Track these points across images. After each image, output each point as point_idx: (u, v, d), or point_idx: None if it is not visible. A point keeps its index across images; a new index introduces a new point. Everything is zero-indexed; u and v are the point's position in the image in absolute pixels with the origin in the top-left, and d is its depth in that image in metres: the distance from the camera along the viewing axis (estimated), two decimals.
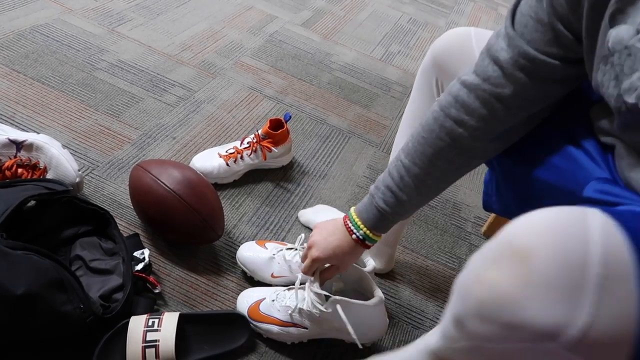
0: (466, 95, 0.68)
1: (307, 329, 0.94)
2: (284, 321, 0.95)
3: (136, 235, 1.06)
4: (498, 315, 0.43)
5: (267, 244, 1.09)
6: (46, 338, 0.84)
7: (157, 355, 0.84)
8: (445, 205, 1.43)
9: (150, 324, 0.86)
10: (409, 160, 0.75)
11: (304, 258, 0.90)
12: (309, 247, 0.87)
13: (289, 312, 0.94)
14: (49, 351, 0.86)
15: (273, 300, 0.96)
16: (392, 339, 1.07)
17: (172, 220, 1.01)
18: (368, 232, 0.81)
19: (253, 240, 1.14)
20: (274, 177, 1.33)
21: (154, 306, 0.97)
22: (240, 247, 1.09)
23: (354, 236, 0.82)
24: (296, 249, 1.05)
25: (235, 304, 1.03)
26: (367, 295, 0.96)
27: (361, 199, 1.37)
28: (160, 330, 0.86)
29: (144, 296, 0.97)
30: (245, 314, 0.97)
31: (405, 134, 0.99)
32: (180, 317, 0.90)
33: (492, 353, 0.46)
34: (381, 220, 0.80)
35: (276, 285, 1.06)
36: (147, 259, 1.00)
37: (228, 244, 1.14)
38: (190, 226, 1.01)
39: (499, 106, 0.66)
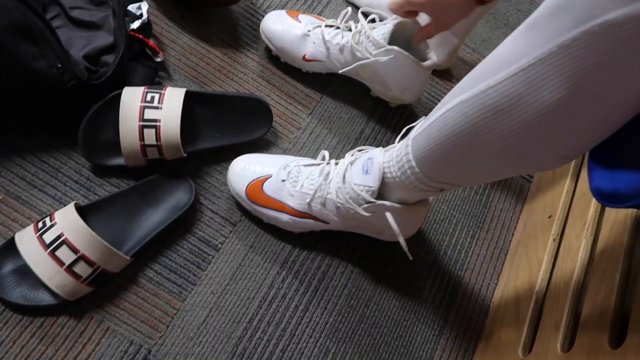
0: None
1: (327, 223, 0.72)
2: (297, 210, 0.71)
3: None
4: None
5: (301, 17, 0.84)
6: (19, 100, 0.66)
7: (157, 137, 0.67)
8: (522, 0, 1.14)
9: (149, 98, 0.68)
10: None
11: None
12: None
13: (307, 200, 0.69)
14: (28, 119, 0.70)
15: (284, 180, 0.71)
16: None
17: None
18: None
19: (282, 9, 0.89)
20: None
21: (154, 78, 0.78)
22: (266, 16, 0.85)
23: None
24: (339, 27, 0.81)
25: (249, 89, 0.84)
26: None
27: None
28: (161, 108, 0.68)
29: (142, 64, 0.77)
30: (243, 192, 0.72)
31: None
32: (188, 94, 0.71)
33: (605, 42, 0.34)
34: None
35: (308, 71, 0.86)
36: (145, 16, 0.76)
37: (250, 11, 0.89)
38: None
39: None
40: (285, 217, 0.72)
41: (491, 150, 0.48)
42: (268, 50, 0.86)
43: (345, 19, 0.81)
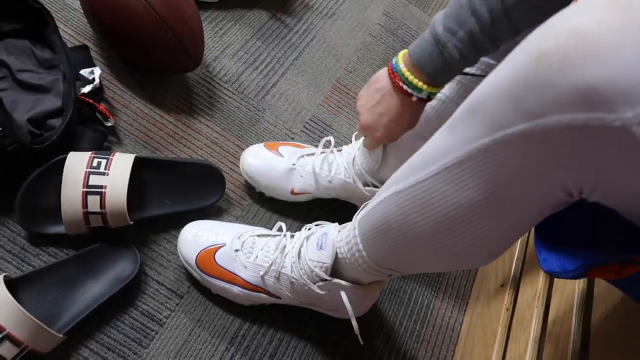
0: None
1: (280, 298, 0.69)
2: (250, 283, 0.68)
3: (85, 47, 0.80)
4: (578, 68, 0.30)
5: (281, 149, 0.81)
6: None
7: (102, 204, 0.64)
8: None
9: (95, 164, 0.66)
10: None
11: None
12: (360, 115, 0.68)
13: (261, 272, 0.66)
14: None
15: (237, 251, 0.68)
16: None
17: (135, 34, 0.75)
18: (425, 86, 0.59)
19: (260, 142, 0.84)
20: (270, 5, 1.05)
21: (103, 143, 0.75)
22: (244, 153, 0.81)
23: (401, 85, 0.61)
24: (323, 152, 0.79)
25: (202, 155, 0.83)
26: None
27: (373, 51, 1.16)
28: (108, 174, 0.65)
29: (92, 128, 0.74)
30: (193, 260, 0.69)
31: None
32: (137, 160, 0.69)
33: (538, 139, 0.34)
34: (446, 73, 0.58)
35: (294, 201, 0.82)
36: (97, 80, 0.75)
37: (205, 79, 0.90)
38: (159, 46, 0.76)
39: None
40: (236, 290, 0.69)
41: (424, 243, 0.48)
42: (250, 185, 0.82)
43: (324, 144, 0.81)
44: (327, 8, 1.12)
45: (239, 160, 0.82)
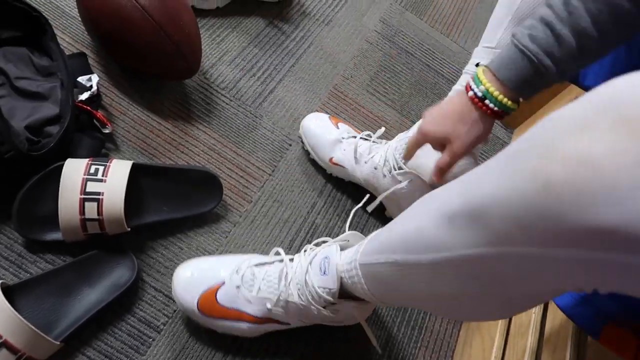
0: None
1: (289, 324, 0.67)
2: (257, 317, 0.65)
3: (83, 55, 0.80)
4: (593, 206, 0.28)
5: (340, 124, 0.90)
6: None
7: (99, 211, 0.64)
8: None
9: (92, 171, 0.66)
10: None
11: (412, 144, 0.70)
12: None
13: (268, 305, 0.64)
14: None
15: (238, 287, 0.65)
16: None
17: (133, 41, 0.75)
18: (503, 98, 0.58)
19: (325, 113, 0.94)
20: (267, 13, 1.06)
21: (101, 150, 0.76)
22: (310, 114, 0.91)
23: (472, 94, 0.60)
24: (373, 141, 0.86)
25: (199, 162, 0.83)
26: None
27: (370, 57, 1.17)
28: (105, 181, 0.65)
29: (89, 135, 0.75)
30: (195, 305, 0.65)
31: None
32: (135, 167, 0.69)
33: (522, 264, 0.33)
34: (534, 82, 0.56)
35: (332, 174, 0.90)
36: (95, 88, 0.76)
37: (203, 86, 0.90)
38: (157, 52, 0.76)
39: None
40: (244, 326, 0.66)
41: (429, 304, 0.52)
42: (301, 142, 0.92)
43: (378, 135, 0.87)
44: (323, 15, 1.12)
45: (301, 122, 0.91)
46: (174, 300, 0.70)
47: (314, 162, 0.91)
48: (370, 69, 1.09)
